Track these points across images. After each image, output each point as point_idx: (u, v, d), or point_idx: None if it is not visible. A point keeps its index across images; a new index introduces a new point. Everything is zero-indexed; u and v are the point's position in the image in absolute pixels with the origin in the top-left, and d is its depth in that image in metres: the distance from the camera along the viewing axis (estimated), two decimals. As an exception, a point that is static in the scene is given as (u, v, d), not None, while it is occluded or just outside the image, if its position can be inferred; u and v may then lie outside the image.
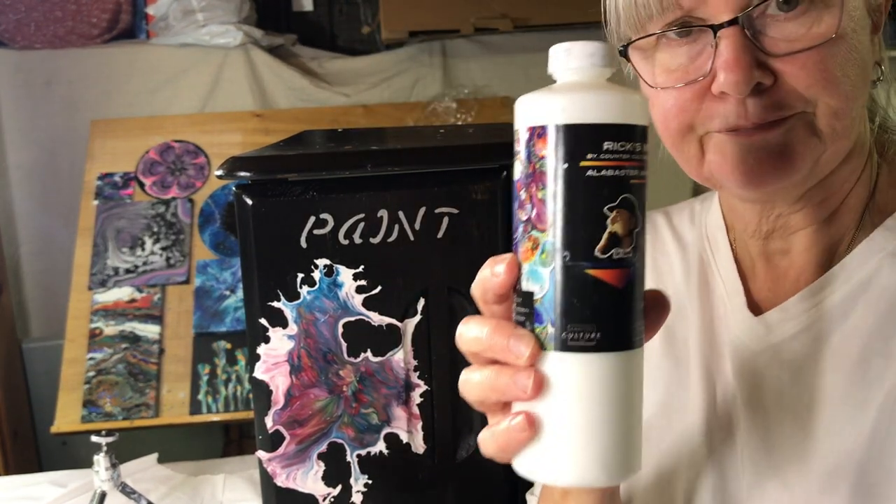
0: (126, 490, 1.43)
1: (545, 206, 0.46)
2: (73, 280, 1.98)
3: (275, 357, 0.75)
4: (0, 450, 2.01)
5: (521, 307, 0.47)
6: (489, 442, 0.49)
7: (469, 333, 0.49)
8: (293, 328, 0.74)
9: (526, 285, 0.47)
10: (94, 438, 1.40)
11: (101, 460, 1.41)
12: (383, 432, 0.77)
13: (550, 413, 0.46)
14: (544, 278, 0.46)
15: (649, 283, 0.74)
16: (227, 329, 1.93)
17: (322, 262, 0.73)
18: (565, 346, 0.46)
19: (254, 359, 0.75)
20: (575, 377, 0.46)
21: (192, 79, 2.38)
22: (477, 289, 0.50)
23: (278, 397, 0.75)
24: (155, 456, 1.64)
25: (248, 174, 0.72)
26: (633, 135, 0.46)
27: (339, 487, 0.77)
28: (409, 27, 2.40)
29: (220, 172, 0.72)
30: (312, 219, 0.72)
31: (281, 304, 0.74)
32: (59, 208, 2.34)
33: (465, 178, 0.73)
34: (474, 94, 2.43)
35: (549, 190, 0.45)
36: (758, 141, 0.58)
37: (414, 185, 0.73)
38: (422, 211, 0.73)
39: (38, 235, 2.41)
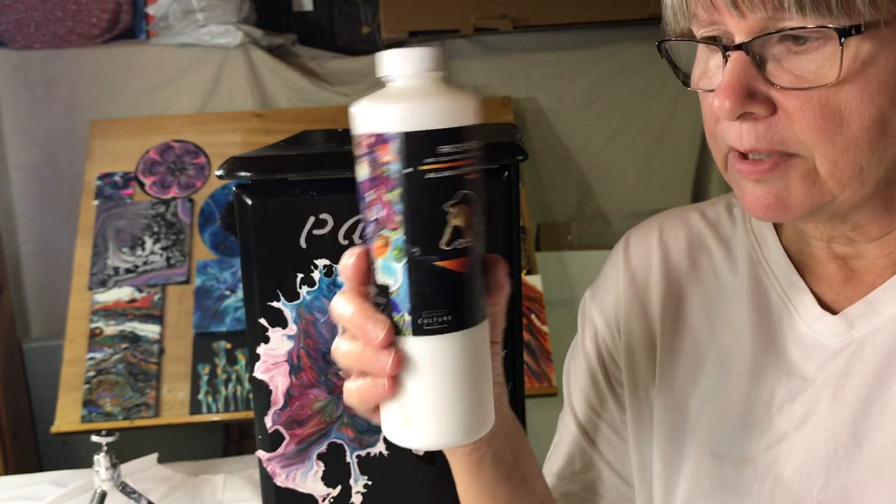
0: (126, 490, 1.43)
1: (392, 208, 0.50)
2: (73, 280, 1.99)
3: (274, 357, 0.75)
4: (0, 449, 2.01)
5: (379, 297, 0.52)
6: (353, 393, 0.54)
7: (337, 308, 0.54)
8: (293, 328, 0.74)
9: (381, 279, 0.51)
10: (94, 438, 1.40)
11: (101, 460, 1.41)
12: (383, 433, 0.77)
13: (410, 388, 0.52)
14: (397, 272, 0.51)
15: (692, 286, 0.74)
16: (227, 329, 1.94)
17: (322, 262, 0.73)
18: (421, 331, 0.51)
19: (253, 359, 0.75)
20: (431, 357, 0.52)
21: (192, 79, 2.38)
22: (342, 274, 0.54)
23: (278, 397, 0.75)
24: (155, 456, 1.64)
25: (248, 174, 0.72)
26: (465, 136, 0.50)
27: (338, 488, 0.77)
28: (409, 27, 2.40)
29: (220, 172, 0.72)
30: (312, 219, 0.72)
31: (280, 305, 0.74)
32: (59, 208, 2.34)
33: (465, 179, 0.73)
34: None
35: (394, 193, 0.50)
36: (753, 178, 0.59)
37: (414, 186, 0.73)
38: (422, 211, 0.73)
39: (39, 235, 2.41)
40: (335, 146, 0.85)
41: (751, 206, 0.60)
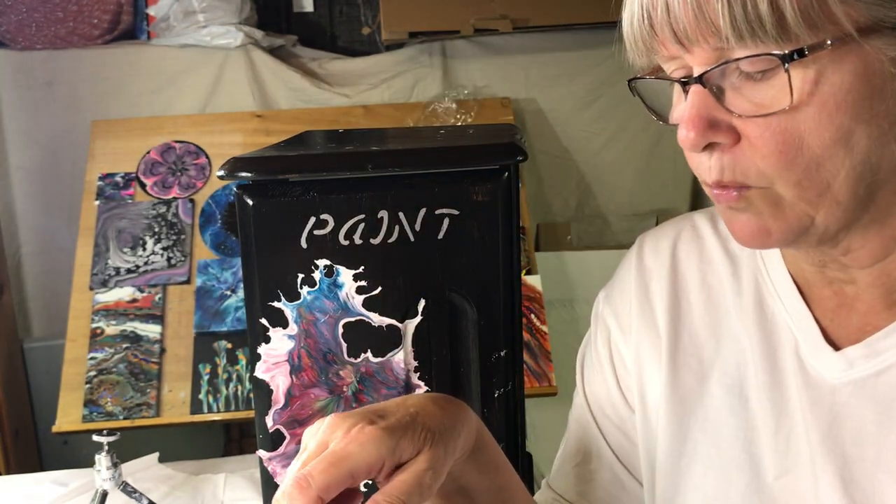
0: (127, 489, 1.43)
1: None
2: (74, 280, 1.99)
3: (275, 357, 0.75)
4: (1, 449, 2.02)
5: None
6: None
7: None
8: (293, 328, 0.75)
9: None
10: (95, 438, 1.41)
11: (102, 459, 1.41)
12: (383, 432, 0.77)
13: None
14: None
15: (699, 301, 0.73)
16: (228, 329, 1.94)
17: (322, 262, 0.73)
18: None
19: (254, 358, 0.75)
20: None
21: (192, 79, 2.38)
22: None
23: (279, 397, 0.76)
24: (156, 455, 1.64)
25: (248, 175, 0.72)
26: None
27: (339, 486, 0.78)
28: (409, 28, 2.40)
29: (221, 173, 0.72)
30: (313, 219, 0.73)
31: (281, 305, 0.74)
32: (60, 208, 2.35)
33: (466, 179, 0.74)
34: (474, 95, 2.43)
35: None
36: (727, 204, 0.59)
37: (414, 186, 0.73)
38: (422, 212, 0.73)
39: (40, 235, 2.41)
40: (336, 147, 0.86)
41: (738, 233, 0.61)
